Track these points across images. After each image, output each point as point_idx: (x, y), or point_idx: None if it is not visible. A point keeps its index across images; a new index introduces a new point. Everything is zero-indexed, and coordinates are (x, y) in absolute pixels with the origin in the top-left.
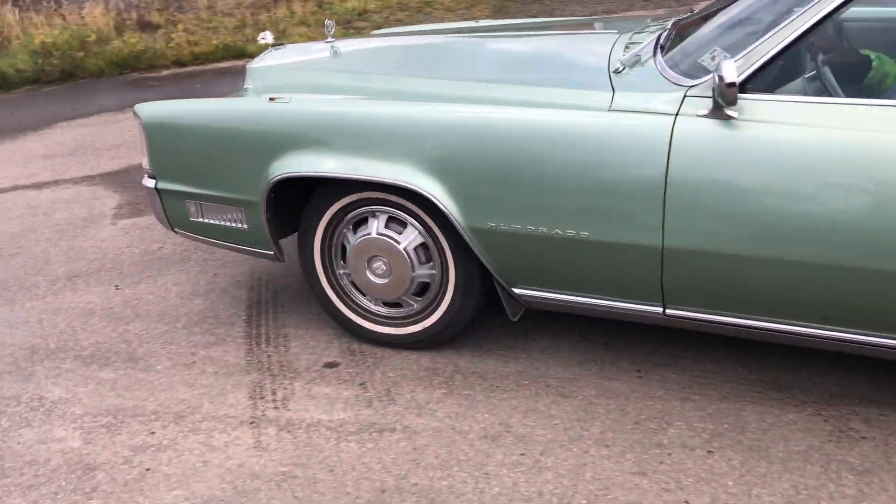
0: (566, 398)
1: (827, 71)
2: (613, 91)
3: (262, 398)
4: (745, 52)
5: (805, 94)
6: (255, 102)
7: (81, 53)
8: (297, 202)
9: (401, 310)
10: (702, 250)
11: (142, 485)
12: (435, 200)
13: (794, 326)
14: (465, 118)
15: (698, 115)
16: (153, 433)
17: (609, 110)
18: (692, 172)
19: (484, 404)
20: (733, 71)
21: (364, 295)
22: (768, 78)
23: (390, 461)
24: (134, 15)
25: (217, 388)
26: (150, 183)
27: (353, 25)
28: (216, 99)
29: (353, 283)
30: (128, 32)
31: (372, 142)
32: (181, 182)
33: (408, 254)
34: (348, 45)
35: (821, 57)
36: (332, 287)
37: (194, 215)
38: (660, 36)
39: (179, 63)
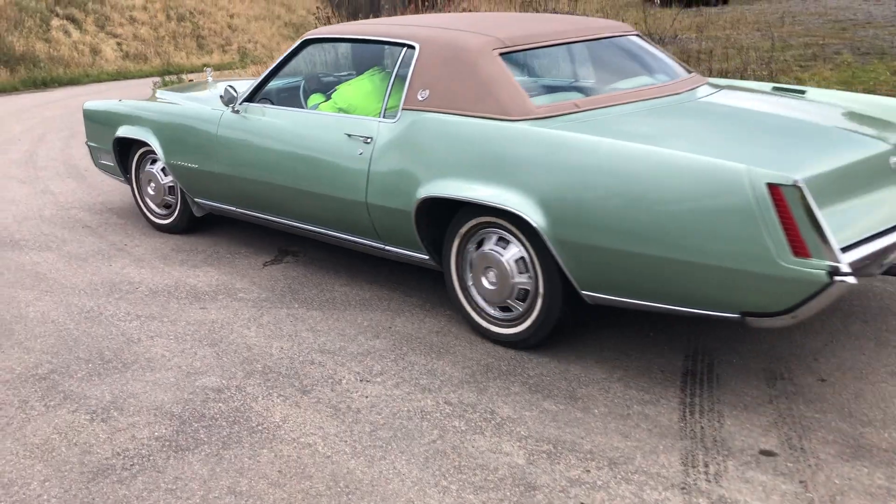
0: None
1: (297, 95)
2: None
3: (693, 467)
4: (250, 86)
5: (272, 104)
6: (114, 101)
7: None
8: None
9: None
10: (228, 175)
11: None
12: (154, 149)
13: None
14: (169, 109)
15: (230, 111)
16: (588, 471)
17: (212, 108)
18: (223, 134)
19: None
20: (222, 89)
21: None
22: (260, 97)
23: None
24: None
25: (650, 444)
26: (85, 142)
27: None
28: (112, 100)
29: (137, 180)
30: None
31: (137, 119)
32: (94, 141)
33: (160, 177)
34: (217, 83)
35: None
36: (136, 182)
37: (100, 159)
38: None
39: None
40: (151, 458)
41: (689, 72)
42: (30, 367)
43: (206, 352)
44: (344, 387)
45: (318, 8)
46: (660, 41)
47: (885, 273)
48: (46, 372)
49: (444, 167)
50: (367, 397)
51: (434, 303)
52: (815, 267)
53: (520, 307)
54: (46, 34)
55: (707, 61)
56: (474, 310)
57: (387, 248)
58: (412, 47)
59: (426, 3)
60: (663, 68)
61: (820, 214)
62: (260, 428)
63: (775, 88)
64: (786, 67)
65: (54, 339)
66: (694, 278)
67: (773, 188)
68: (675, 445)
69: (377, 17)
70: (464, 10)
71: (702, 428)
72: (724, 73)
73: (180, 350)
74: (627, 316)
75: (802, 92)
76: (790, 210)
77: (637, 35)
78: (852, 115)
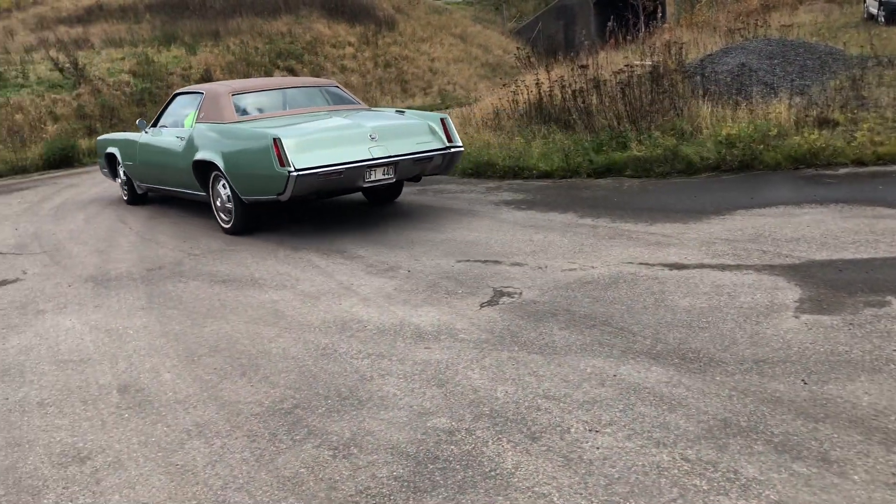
0: None
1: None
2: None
3: None
4: (154, 119)
5: (167, 127)
6: (108, 134)
7: (761, 146)
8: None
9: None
10: (143, 164)
11: None
12: (117, 156)
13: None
14: (124, 135)
15: (144, 133)
16: None
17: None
18: (142, 142)
19: None
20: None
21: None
22: (160, 125)
23: None
24: (814, 112)
25: None
26: (96, 159)
27: None
28: (109, 133)
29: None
30: (807, 129)
31: (114, 143)
32: (99, 158)
33: (122, 174)
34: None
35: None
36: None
37: (102, 168)
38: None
39: (859, 162)
40: (392, 497)
41: (357, 102)
42: (276, 402)
43: (434, 392)
44: (573, 436)
45: (517, 48)
46: (889, 63)
47: (430, 174)
48: (291, 406)
49: (201, 147)
50: (598, 448)
51: (660, 351)
52: (285, 171)
53: (230, 213)
54: None
55: None
56: (218, 217)
57: (194, 193)
58: (202, 94)
59: (628, 38)
60: (337, 101)
61: (288, 150)
62: (493, 474)
63: (396, 111)
64: None
65: (295, 374)
66: (264, 181)
67: (275, 140)
68: None
69: (576, 55)
70: (666, 42)
71: None
72: None
73: (410, 389)
74: (888, 371)
75: (403, 112)
76: (278, 148)
77: (335, 86)
78: (387, 117)
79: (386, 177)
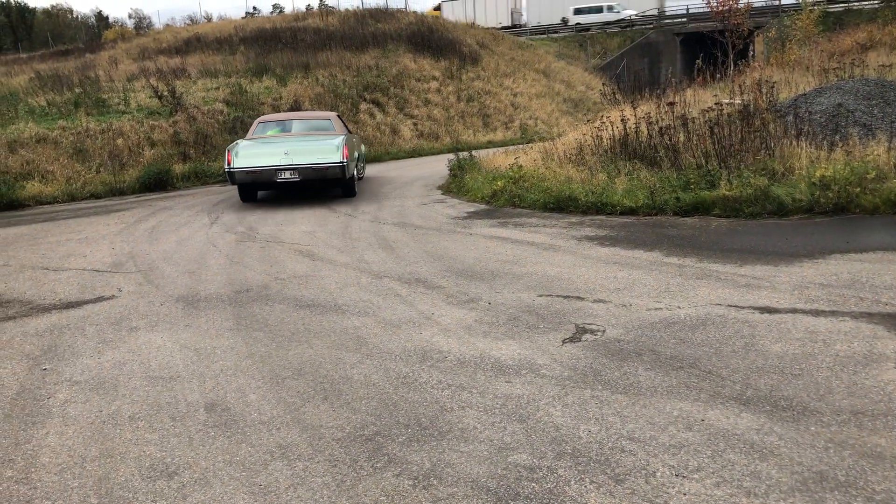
0: None
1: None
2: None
3: None
4: (248, 135)
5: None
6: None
7: (858, 189)
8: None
9: None
10: None
11: None
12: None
13: None
14: (244, 143)
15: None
16: None
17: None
18: (239, 147)
19: None
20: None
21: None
22: (248, 138)
23: None
24: None
25: None
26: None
27: None
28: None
29: None
30: None
31: (235, 144)
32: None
33: None
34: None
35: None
36: None
37: (225, 168)
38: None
39: None
40: None
41: (333, 129)
42: (357, 427)
43: (515, 427)
44: (659, 480)
45: (603, 84)
46: None
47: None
48: (371, 433)
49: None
50: (685, 494)
51: (750, 396)
52: (228, 167)
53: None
54: (355, 116)
55: None
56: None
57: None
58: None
59: (716, 76)
60: (319, 129)
61: (234, 157)
62: None
63: (344, 137)
64: None
65: (376, 401)
66: (228, 173)
67: (228, 150)
68: None
69: (662, 92)
70: (756, 80)
71: None
72: None
73: (490, 423)
74: None
75: (345, 137)
76: (230, 155)
77: (327, 118)
78: (309, 141)
79: (292, 177)
